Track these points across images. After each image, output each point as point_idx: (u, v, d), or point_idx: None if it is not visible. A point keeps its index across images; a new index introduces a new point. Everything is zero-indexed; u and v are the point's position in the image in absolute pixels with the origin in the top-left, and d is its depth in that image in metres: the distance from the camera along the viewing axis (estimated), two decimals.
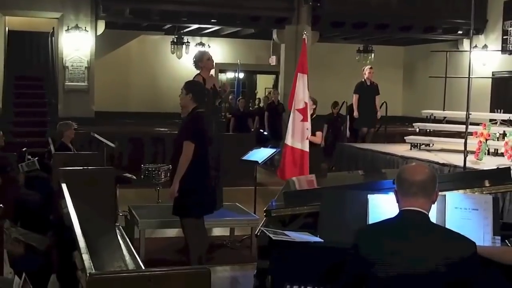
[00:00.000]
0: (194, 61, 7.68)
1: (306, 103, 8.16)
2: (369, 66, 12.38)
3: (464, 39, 15.36)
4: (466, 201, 3.39)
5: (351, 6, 14.05)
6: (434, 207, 3.30)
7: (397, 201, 2.91)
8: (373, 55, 16.90)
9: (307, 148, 8.10)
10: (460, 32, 15.07)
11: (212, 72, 8.05)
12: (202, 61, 7.55)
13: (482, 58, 14.72)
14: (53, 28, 14.27)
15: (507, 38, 10.81)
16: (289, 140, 8.16)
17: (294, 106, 8.17)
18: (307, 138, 8.13)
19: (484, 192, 3.52)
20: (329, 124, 12.66)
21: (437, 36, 15.55)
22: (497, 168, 5.25)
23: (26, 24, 15.54)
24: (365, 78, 12.04)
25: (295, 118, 8.15)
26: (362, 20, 14.50)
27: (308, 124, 8.16)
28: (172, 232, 7.66)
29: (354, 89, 12.10)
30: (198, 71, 7.57)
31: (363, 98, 11.94)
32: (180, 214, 6.00)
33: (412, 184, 2.83)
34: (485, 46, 14.78)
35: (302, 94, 8.19)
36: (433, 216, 3.28)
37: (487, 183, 3.70)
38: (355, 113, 12.02)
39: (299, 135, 8.10)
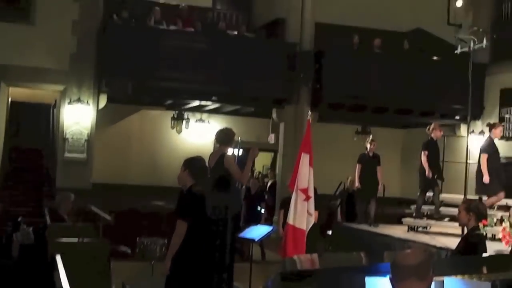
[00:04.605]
0: (227, 136, 7.69)
1: (309, 183, 8.23)
2: (372, 139, 12.29)
3: (462, 124, 15.54)
4: (464, 287, 3.35)
5: (350, 89, 14.29)
6: None
7: None
8: (371, 136, 17.00)
9: (305, 227, 8.11)
10: (457, 117, 15.27)
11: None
12: (233, 139, 7.63)
13: (480, 143, 14.80)
14: (55, 100, 14.42)
15: (503, 125, 11.01)
16: (291, 219, 8.20)
17: (298, 186, 8.23)
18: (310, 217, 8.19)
19: (482, 279, 3.49)
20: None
21: (435, 121, 15.71)
22: (496, 254, 5.23)
23: (29, 95, 15.69)
24: (367, 150, 11.96)
25: (298, 197, 8.21)
26: (361, 103, 14.71)
27: (307, 204, 8.18)
28: None
29: (357, 160, 12.00)
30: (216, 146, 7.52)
31: (365, 168, 11.83)
32: None
33: (403, 269, 2.84)
34: (482, 132, 14.91)
35: (305, 174, 8.26)
36: None
37: (485, 270, 3.66)
38: (357, 184, 11.85)
39: (301, 214, 8.15)
